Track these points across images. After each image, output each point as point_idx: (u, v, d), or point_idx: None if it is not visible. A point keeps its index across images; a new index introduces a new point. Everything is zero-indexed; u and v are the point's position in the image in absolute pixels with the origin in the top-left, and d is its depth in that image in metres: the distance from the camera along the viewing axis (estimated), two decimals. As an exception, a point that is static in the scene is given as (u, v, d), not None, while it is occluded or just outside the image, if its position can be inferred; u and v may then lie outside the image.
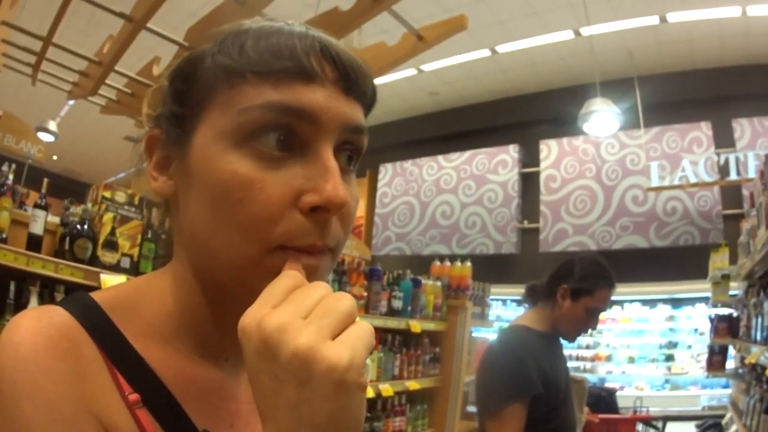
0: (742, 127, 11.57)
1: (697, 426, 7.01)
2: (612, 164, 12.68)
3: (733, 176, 10.57)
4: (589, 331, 3.04)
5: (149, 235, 3.13)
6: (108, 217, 3.03)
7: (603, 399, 4.81)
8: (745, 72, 11.17)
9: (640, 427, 4.90)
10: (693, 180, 10.96)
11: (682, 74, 11.98)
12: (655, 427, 4.68)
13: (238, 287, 0.74)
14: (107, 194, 3.08)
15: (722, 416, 6.49)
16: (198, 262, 0.78)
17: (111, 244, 2.97)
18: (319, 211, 0.71)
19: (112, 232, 2.99)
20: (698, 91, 11.89)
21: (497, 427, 2.69)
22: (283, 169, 0.71)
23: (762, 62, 10.83)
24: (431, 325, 5.23)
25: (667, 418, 4.63)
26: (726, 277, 6.34)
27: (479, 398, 2.90)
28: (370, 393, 4.36)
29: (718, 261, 6.60)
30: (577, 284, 2.90)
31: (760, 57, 10.73)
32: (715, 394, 9.51)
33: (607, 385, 12.88)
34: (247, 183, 0.70)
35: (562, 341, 3.10)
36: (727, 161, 10.95)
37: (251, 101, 0.70)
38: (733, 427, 4.81)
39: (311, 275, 0.70)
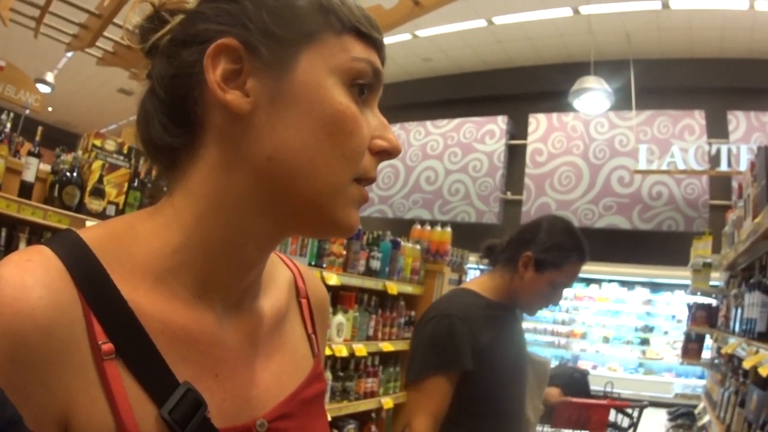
0: (738, 120, 11.58)
1: (670, 413, 7.08)
2: (600, 143, 12.72)
3: (723, 167, 10.58)
4: (550, 306, 2.74)
5: (136, 184, 3.24)
6: (97, 164, 3.08)
7: (576, 380, 4.55)
8: (746, 65, 11.14)
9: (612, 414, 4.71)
10: (682, 167, 10.98)
11: (679, 61, 11.95)
12: (629, 416, 4.45)
13: (316, 209, 0.80)
14: (97, 142, 3.17)
15: (695, 406, 6.55)
16: (268, 185, 0.79)
17: (98, 192, 3.03)
18: (383, 155, 0.84)
19: (100, 179, 3.10)
20: (694, 79, 11.87)
21: (416, 398, 2.45)
22: (363, 115, 0.82)
23: (764, 57, 10.79)
24: (408, 288, 5.27)
25: (642, 407, 4.41)
26: (707, 266, 6.33)
27: (408, 363, 2.60)
28: (344, 352, 4.40)
29: (701, 249, 6.60)
30: (544, 254, 2.55)
31: (763, 52, 10.67)
32: (690, 384, 9.62)
33: (581, 364, 13.08)
34: (356, 118, 0.80)
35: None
36: (718, 151, 10.96)
37: (360, 54, 0.81)
38: (706, 417, 4.82)
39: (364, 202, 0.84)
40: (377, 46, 0.84)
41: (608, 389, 4.79)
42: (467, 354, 2.40)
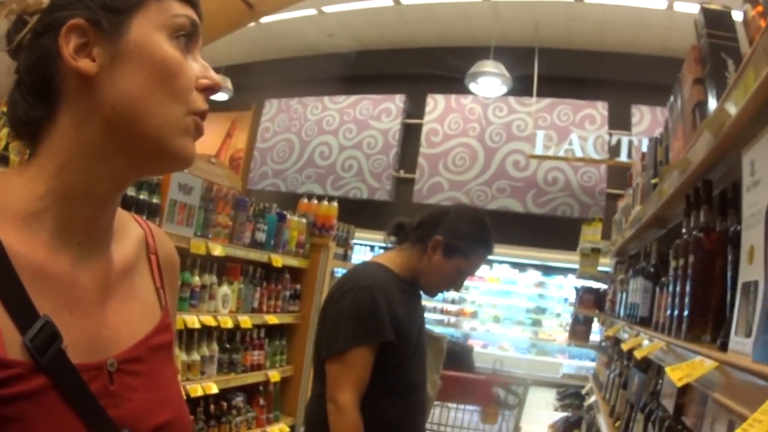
0: (642, 113, 11.96)
1: (558, 393, 7.30)
2: (497, 127, 12.95)
3: (623, 158, 10.90)
4: (452, 290, 2.88)
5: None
6: (4, 132, 3.05)
7: (457, 355, 4.57)
8: (657, 62, 11.42)
9: (501, 392, 4.59)
10: (579, 155, 11.26)
11: (587, 53, 12.23)
12: (514, 394, 4.46)
13: (158, 143, 0.96)
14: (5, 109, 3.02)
15: (583, 386, 6.75)
16: (114, 129, 0.95)
17: (3, 159, 3.04)
18: (207, 91, 1.02)
19: (6, 147, 3.03)
20: (601, 71, 12.16)
21: (339, 371, 2.46)
22: (186, 60, 1.00)
23: (674, 56, 11.10)
24: (293, 261, 5.31)
25: (526, 384, 4.42)
26: (596, 251, 6.53)
27: (321, 336, 2.62)
28: (229, 323, 4.42)
29: (590, 234, 6.79)
30: (454, 241, 2.66)
31: (677, 51, 10.95)
32: (583, 366, 9.95)
33: (471, 343, 13.30)
34: (179, 63, 0.98)
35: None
36: (619, 142, 11.30)
37: (178, 11, 0.99)
38: (593, 398, 4.96)
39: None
40: (193, 3, 1.02)
41: (497, 367, 4.97)
42: (388, 325, 2.48)
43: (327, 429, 2.44)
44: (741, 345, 1.29)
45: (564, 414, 6.69)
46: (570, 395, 6.94)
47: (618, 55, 12.05)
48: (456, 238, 2.67)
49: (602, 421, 3.79)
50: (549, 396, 7.47)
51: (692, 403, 2.02)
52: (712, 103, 1.89)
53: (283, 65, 14.56)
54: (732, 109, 1.56)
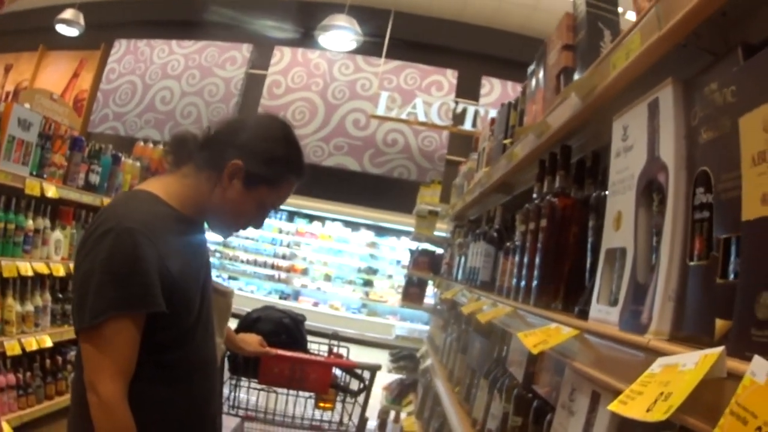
0: (492, 85, 12.22)
1: (392, 354, 7.33)
2: (341, 84, 12.95)
3: (467, 126, 11.08)
4: (250, 228, 2.25)
5: None
6: None
7: (286, 328, 3.77)
8: (514, 38, 11.67)
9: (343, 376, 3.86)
10: (422, 119, 11.36)
11: (444, 21, 12.34)
12: (358, 377, 3.74)
13: None
14: None
15: (416, 349, 6.83)
16: None
17: None
18: None
19: None
20: (454, 41, 12.31)
21: (94, 352, 1.83)
22: None
23: (534, 36, 11.29)
24: None
25: (374, 368, 3.70)
26: (433, 214, 6.60)
27: (73, 302, 1.96)
28: (61, 271, 4.23)
29: (428, 196, 6.82)
30: (258, 167, 2.05)
31: (537, 31, 11.11)
32: (416, 328, 10.07)
33: (302, 300, 13.29)
34: None
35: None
36: (465, 111, 11.48)
37: None
38: (429, 361, 5.00)
39: None
40: None
41: (333, 343, 4.11)
42: (158, 287, 1.87)
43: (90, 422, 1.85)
44: (604, 313, 1.26)
45: (398, 376, 6.75)
46: (403, 357, 6.99)
47: (476, 27, 12.23)
48: (261, 163, 2.06)
49: (440, 386, 3.78)
50: (382, 357, 7.53)
51: (544, 371, 2.02)
52: (580, 71, 1.86)
53: (136, 4, 13.89)
54: (607, 74, 1.53)
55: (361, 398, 3.70)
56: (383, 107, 11.72)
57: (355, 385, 3.74)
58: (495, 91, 12.30)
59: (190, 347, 2.04)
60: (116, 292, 1.82)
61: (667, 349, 0.95)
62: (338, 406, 3.78)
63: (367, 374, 3.67)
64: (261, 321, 3.70)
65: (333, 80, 13.09)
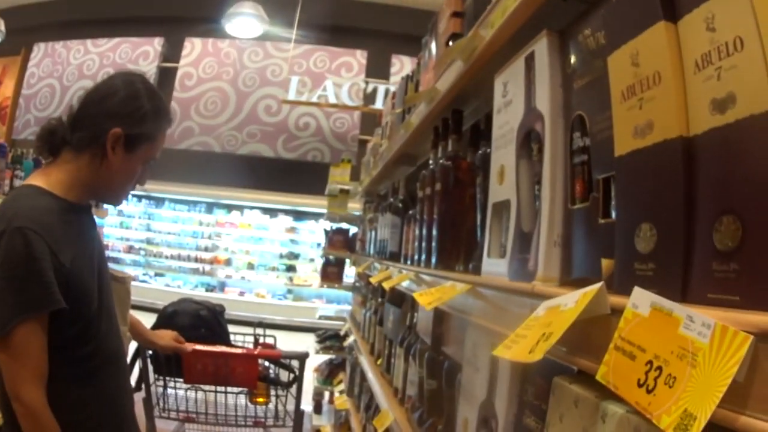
0: (402, 63, 12.21)
1: (318, 336, 7.26)
2: (251, 71, 12.78)
3: (379, 105, 11.04)
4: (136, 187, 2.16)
5: None
6: None
7: (205, 321, 3.51)
8: (423, 16, 11.58)
9: (272, 368, 3.65)
10: (333, 101, 11.29)
11: (350, 3, 12.24)
12: (288, 368, 3.56)
13: None
14: None
15: (340, 327, 6.76)
16: None
17: None
18: None
19: None
20: (362, 21, 12.24)
21: (9, 362, 1.78)
22: None
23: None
24: None
25: (303, 357, 3.44)
26: (345, 192, 6.53)
27: None
28: None
29: (338, 175, 6.75)
30: (137, 128, 1.98)
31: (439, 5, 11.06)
32: (343, 309, 10.04)
33: (228, 290, 13.11)
34: None
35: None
36: (375, 90, 11.42)
37: None
38: (352, 337, 4.95)
39: None
40: None
41: (259, 332, 3.89)
42: (55, 284, 1.80)
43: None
44: (495, 266, 1.24)
45: (327, 356, 6.70)
46: (329, 337, 6.93)
47: (384, 6, 12.17)
48: (137, 123, 2.00)
49: (364, 360, 3.73)
50: (309, 340, 7.46)
51: (450, 331, 2.00)
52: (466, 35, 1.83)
53: (52, 6, 13.35)
54: (486, 34, 1.50)
55: (294, 389, 3.51)
56: (294, 92, 11.60)
57: (285, 375, 3.56)
58: (405, 69, 12.27)
59: (96, 339, 1.97)
60: (17, 297, 1.76)
61: (552, 293, 0.93)
62: (274, 398, 3.59)
63: (296, 363, 3.49)
64: (178, 315, 3.44)
65: (243, 68, 12.90)
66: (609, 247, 0.89)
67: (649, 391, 0.65)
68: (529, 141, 1.18)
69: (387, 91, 11.26)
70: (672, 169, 0.75)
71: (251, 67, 12.90)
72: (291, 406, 3.54)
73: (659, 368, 0.65)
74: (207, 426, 3.63)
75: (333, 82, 11.56)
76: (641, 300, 0.72)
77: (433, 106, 2.12)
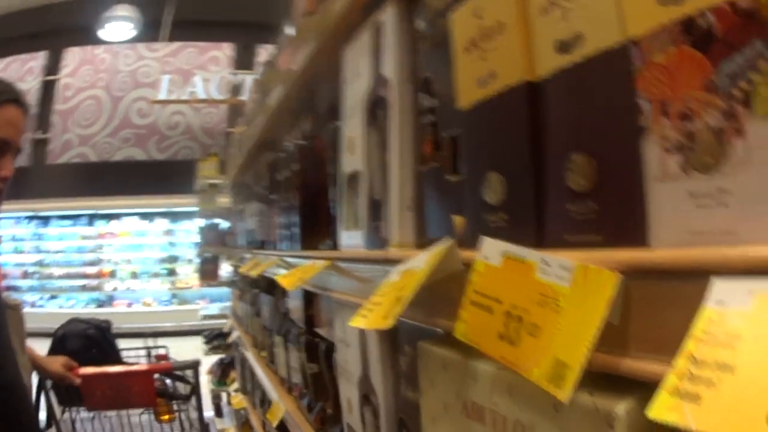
0: (269, 53, 11.96)
1: (205, 337, 7.04)
2: (124, 75, 12.52)
3: (245, 96, 10.83)
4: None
5: None
6: None
7: (94, 340, 3.27)
8: (286, 3, 11.41)
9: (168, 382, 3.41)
10: (202, 96, 11.13)
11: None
12: (182, 379, 3.35)
13: None
14: None
15: (224, 324, 6.54)
16: None
17: None
18: None
19: None
20: (229, 13, 11.92)
21: None
22: None
23: None
24: None
25: (194, 365, 3.28)
26: (213, 186, 6.33)
27: None
28: None
29: (206, 170, 6.57)
30: None
31: None
32: (227, 306, 9.81)
33: (116, 304, 12.58)
34: None
35: None
36: (242, 82, 11.17)
37: None
38: (236, 333, 4.77)
39: None
40: None
41: (150, 343, 3.70)
42: None
43: None
44: (352, 238, 1.18)
45: (217, 356, 6.46)
46: (215, 336, 6.72)
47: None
48: None
49: (250, 354, 3.58)
50: (198, 343, 7.21)
51: (321, 312, 1.93)
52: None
53: None
54: (336, 8, 1.43)
55: (193, 400, 3.33)
56: (165, 91, 11.30)
57: (183, 389, 3.37)
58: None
59: None
60: None
61: (407, 257, 0.87)
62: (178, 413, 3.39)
63: (190, 373, 3.30)
64: (68, 338, 3.23)
65: (117, 72, 12.44)
66: (460, 204, 0.84)
67: (513, 344, 0.60)
68: (376, 109, 1.13)
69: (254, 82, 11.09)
70: (516, 115, 0.71)
71: (124, 70, 12.47)
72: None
73: (519, 318, 0.60)
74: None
75: (202, 78, 11.35)
76: (492, 250, 0.67)
77: (289, 87, 2.03)
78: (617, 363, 0.52)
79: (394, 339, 1.06)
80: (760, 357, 0.38)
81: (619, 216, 0.58)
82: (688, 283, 0.46)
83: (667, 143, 0.52)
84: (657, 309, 0.50)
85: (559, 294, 0.56)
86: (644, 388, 0.48)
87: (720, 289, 0.43)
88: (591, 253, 0.57)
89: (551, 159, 0.66)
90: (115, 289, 13.16)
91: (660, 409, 0.42)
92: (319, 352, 1.84)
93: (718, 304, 0.42)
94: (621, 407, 0.52)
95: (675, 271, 0.48)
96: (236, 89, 11.33)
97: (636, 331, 0.51)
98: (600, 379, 0.54)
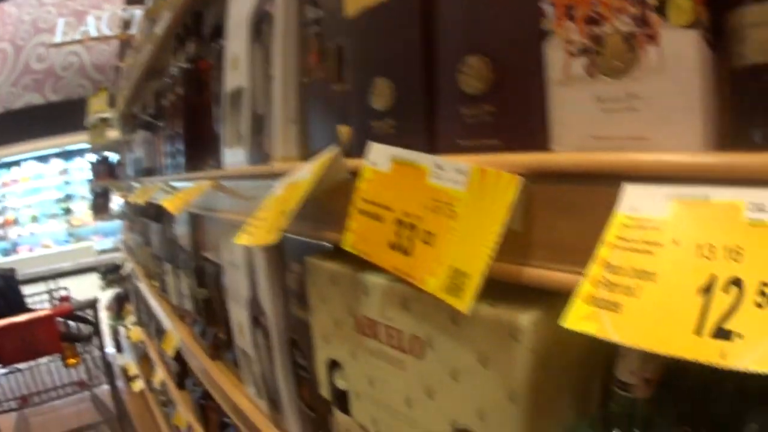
0: None
1: (100, 272, 6.70)
2: (27, 24, 11.74)
3: (134, 31, 10.36)
4: None
5: None
6: None
7: (1, 292, 3.05)
8: None
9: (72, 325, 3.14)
10: (94, 34, 10.69)
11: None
12: (85, 320, 3.13)
13: None
14: None
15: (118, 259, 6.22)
16: None
17: None
18: None
19: None
20: None
21: None
22: None
23: None
24: None
25: (92, 304, 3.07)
26: (104, 121, 5.96)
27: None
28: None
29: (96, 105, 6.18)
30: None
31: None
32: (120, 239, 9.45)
33: (19, 250, 11.92)
34: None
35: None
36: (132, 16, 10.69)
37: None
38: (129, 265, 4.53)
39: None
40: None
41: (52, 287, 3.46)
42: None
43: None
44: (235, 156, 1.06)
45: (113, 291, 6.14)
46: (111, 271, 6.39)
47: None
48: None
49: (143, 286, 3.38)
50: (96, 279, 6.86)
51: (208, 235, 1.79)
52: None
53: None
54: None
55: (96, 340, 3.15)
56: (60, 33, 10.66)
57: (85, 329, 3.16)
58: (161, -8, 11.62)
59: None
60: None
61: (290, 169, 0.76)
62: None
63: (90, 311, 3.10)
64: None
65: (21, 23, 11.59)
66: (347, 114, 0.75)
67: (406, 253, 0.52)
68: (261, 24, 1.01)
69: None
70: (406, 18, 0.61)
71: (26, 19, 11.64)
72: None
73: (412, 226, 0.52)
74: (44, 406, 3.19)
75: (95, 16, 10.74)
76: (380, 156, 0.58)
77: (175, 12, 1.85)
78: (520, 272, 0.45)
79: (281, 256, 0.97)
80: (683, 264, 0.33)
81: (517, 119, 0.51)
82: (597, 188, 0.40)
83: (572, 47, 0.45)
84: (563, 215, 0.43)
85: (453, 199, 0.48)
86: (552, 299, 0.42)
87: (633, 194, 0.37)
88: (489, 156, 0.50)
89: (444, 62, 0.58)
90: (19, 236, 12.47)
91: (575, 319, 0.36)
92: (207, 277, 1.72)
93: (632, 210, 0.37)
94: (526, 318, 0.45)
95: (582, 174, 0.42)
96: (127, 24, 10.80)
97: (540, 239, 0.45)
98: (503, 290, 0.47)
